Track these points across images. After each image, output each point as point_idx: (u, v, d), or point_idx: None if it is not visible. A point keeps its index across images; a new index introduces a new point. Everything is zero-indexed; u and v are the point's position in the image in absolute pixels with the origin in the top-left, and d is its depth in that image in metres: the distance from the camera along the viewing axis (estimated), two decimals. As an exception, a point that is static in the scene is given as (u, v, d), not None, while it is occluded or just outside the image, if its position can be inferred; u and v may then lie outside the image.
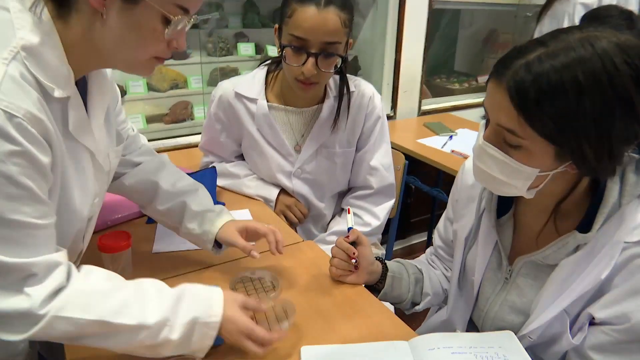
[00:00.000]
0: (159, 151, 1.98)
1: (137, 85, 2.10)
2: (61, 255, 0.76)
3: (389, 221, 1.75)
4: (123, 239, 1.11)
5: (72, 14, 0.74)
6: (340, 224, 1.56)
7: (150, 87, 2.14)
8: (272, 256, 1.20)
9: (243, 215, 1.45)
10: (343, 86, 1.43)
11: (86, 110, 0.88)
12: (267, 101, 1.44)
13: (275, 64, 1.46)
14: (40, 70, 0.73)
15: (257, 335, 0.84)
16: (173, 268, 1.16)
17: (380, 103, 1.50)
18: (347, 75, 1.45)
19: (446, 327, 1.10)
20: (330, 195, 1.58)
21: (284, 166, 1.49)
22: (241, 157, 1.60)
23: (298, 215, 1.52)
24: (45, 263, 0.72)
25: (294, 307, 0.96)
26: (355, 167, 1.55)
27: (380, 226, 1.57)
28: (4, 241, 0.68)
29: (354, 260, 1.07)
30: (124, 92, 2.06)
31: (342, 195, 1.63)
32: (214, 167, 1.52)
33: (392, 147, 1.74)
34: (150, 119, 2.13)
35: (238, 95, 1.44)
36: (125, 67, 0.85)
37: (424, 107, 2.69)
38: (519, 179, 0.80)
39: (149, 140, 2.01)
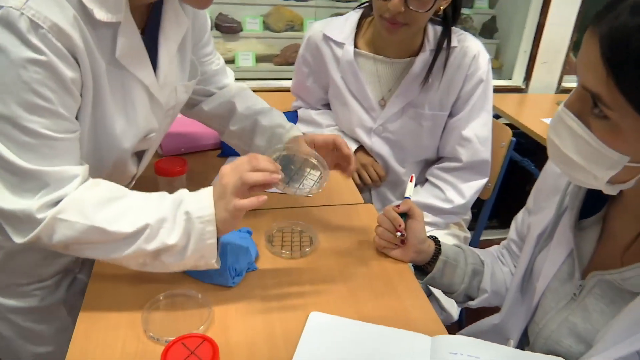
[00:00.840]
0: (263, 91, 2.01)
1: (253, 22, 2.10)
2: (81, 169, 0.75)
3: (481, 203, 1.55)
4: (179, 165, 1.12)
5: None
6: (419, 195, 1.41)
7: (266, 26, 2.13)
8: (322, 211, 1.13)
9: (315, 165, 1.38)
10: (444, 39, 1.24)
11: (157, 41, 0.85)
12: (356, 47, 1.31)
13: (371, 7, 1.32)
14: None
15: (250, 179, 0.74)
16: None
17: (486, 65, 1.28)
18: (453, 28, 1.26)
19: (497, 333, 0.93)
20: (413, 161, 1.43)
21: (364, 121, 1.37)
22: (329, 106, 1.51)
23: (373, 177, 1.41)
24: (59, 174, 0.71)
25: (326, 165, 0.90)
26: (446, 134, 1.37)
27: (464, 205, 1.38)
28: (21, 146, 0.69)
29: (399, 233, 0.94)
30: (239, 29, 2.08)
31: (429, 163, 1.47)
32: (295, 111, 1.46)
33: (506, 123, 1.53)
34: (260, 58, 2.13)
35: (326, 38, 1.34)
36: None
37: (566, 84, 2.31)
38: (599, 165, 0.60)
39: (255, 79, 2.05)
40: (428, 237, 0.99)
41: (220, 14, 2.05)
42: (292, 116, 1.44)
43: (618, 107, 0.55)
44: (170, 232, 0.74)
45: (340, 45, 1.32)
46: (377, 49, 1.31)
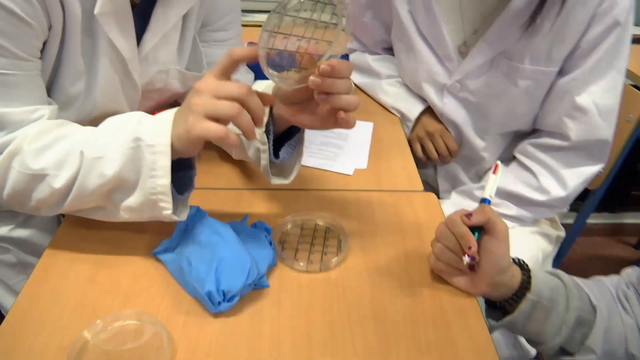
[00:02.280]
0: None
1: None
2: (48, 109, 0.66)
3: (584, 192, 1.16)
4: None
5: None
6: (502, 178, 1.05)
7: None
8: (360, 198, 0.84)
9: (365, 129, 1.06)
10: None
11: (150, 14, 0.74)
12: (433, -32, 0.94)
13: None
14: None
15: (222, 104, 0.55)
16: (217, 178, 0.87)
17: (627, 0, 0.86)
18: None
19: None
20: (497, 133, 1.07)
21: (436, 74, 1.01)
22: (392, 50, 1.16)
23: (441, 150, 1.07)
24: (20, 115, 0.63)
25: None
26: (551, 99, 0.98)
27: (564, 199, 1.01)
28: None
29: (467, 258, 0.62)
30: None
31: (520, 137, 1.09)
32: (346, 55, 1.13)
33: (631, 84, 1.11)
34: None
35: (392, -47, 0.97)
36: None
37: None
38: None
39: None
40: (512, 260, 0.66)
41: None
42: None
43: None
44: (110, 162, 0.59)
45: (410, -36, 0.95)
46: (464, -29, 0.92)
